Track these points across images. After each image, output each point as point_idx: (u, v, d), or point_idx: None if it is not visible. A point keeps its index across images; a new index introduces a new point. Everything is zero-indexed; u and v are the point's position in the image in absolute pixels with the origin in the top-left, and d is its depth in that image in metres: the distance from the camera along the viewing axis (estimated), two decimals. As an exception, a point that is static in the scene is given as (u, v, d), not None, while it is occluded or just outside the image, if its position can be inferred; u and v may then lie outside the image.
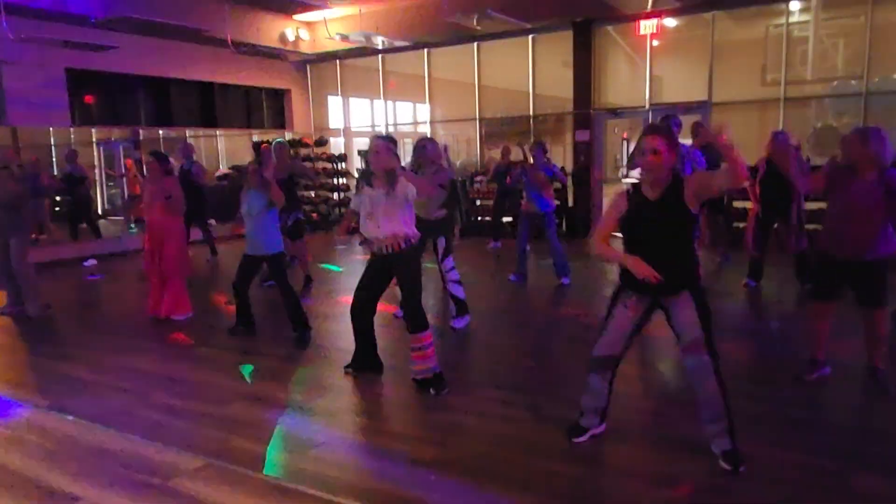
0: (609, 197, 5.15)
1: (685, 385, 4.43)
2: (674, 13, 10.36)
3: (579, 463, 3.28)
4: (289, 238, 7.64)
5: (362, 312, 4.48)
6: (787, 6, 9.94)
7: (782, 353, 4.98)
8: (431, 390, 4.21)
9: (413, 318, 4.27)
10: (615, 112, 11.55)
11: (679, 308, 3.07)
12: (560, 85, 11.68)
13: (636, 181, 3.19)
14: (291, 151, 13.72)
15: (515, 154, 9.59)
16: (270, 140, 13.21)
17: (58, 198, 11.19)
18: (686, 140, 8.37)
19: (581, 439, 3.43)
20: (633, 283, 3.12)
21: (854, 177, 3.95)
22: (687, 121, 8.80)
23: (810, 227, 9.20)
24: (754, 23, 10.83)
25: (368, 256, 4.53)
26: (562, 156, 12.03)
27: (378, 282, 4.45)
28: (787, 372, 4.37)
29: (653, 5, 9.19)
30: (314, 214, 13.91)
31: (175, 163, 10.10)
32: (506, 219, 10.93)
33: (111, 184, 13.94)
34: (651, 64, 10.94)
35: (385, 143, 4.19)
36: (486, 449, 3.46)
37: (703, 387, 3.10)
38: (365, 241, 4.45)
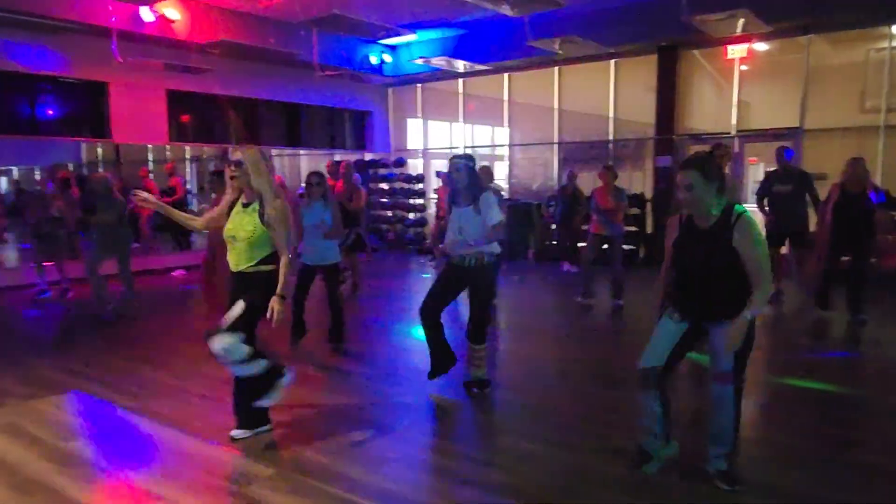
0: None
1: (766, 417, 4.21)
2: (765, 37, 10.00)
3: (647, 497, 3.13)
4: (348, 251, 7.95)
5: (429, 315, 4.58)
6: (891, 29, 9.41)
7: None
8: (475, 389, 4.61)
9: (479, 329, 4.54)
10: (699, 137, 11.22)
11: (718, 335, 3.03)
12: (641, 109, 11.46)
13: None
14: (370, 171, 14.21)
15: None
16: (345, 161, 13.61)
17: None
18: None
19: (649, 467, 3.27)
20: (677, 303, 3.18)
21: None
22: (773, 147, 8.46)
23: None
24: (853, 47, 10.31)
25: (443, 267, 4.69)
26: (641, 181, 11.77)
27: (450, 290, 4.62)
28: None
29: (743, 30, 8.88)
30: (390, 234, 14.13)
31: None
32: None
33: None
34: (739, 88, 10.59)
35: (465, 164, 4.46)
36: (554, 478, 3.38)
37: (720, 414, 3.12)
38: (441, 253, 4.68)
